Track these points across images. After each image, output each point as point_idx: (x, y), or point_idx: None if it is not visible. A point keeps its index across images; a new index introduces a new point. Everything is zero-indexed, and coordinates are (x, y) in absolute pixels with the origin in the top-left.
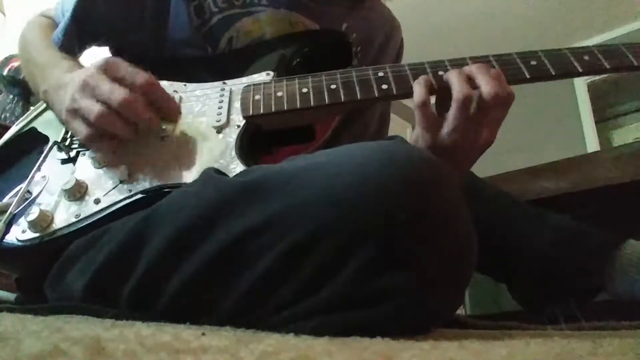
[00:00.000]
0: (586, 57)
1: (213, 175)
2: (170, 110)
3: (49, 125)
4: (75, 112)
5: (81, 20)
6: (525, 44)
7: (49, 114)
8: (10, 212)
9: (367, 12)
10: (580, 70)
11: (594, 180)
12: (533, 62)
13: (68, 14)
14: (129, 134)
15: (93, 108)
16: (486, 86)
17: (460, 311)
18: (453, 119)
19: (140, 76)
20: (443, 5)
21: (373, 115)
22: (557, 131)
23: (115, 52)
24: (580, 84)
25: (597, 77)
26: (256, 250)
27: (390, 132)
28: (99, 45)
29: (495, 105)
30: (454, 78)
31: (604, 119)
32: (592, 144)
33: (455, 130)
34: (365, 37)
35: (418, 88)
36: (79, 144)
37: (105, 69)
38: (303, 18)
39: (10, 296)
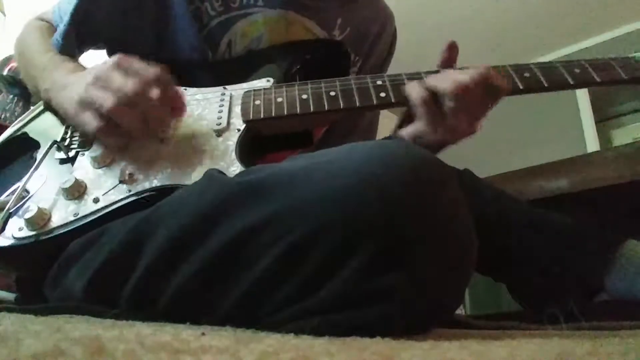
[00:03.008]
0: (577, 70)
1: (215, 175)
2: (178, 106)
3: (42, 131)
4: (86, 104)
5: (80, 24)
6: (525, 45)
7: (42, 120)
8: (7, 210)
9: (361, 5)
10: (572, 83)
11: (594, 180)
12: (526, 74)
13: (67, 18)
14: (139, 129)
15: (106, 99)
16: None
17: (460, 311)
18: (454, 109)
19: (153, 70)
20: (443, 5)
21: (361, 116)
22: (557, 131)
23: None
24: None
25: None
26: (256, 249)
27: (388, 132)
28: (98, 48)
29: (458, 94)
30: (432, 81)
31: (604, 119)
32: (592, 144)
33: (456, 119)
34: (359, 31)
35: (413, 89)
36: (78, 144)
37: (117, 64)
38: (299, 16)
39: (10, 296)
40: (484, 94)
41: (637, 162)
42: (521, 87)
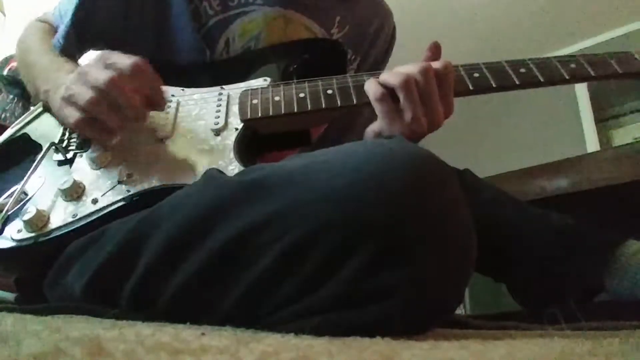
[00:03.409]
0: (572, 65)
1: (215, 174)
2: (155, 95)
3: (42, 133)
4: (68, 99)
5: (81, 25)
6: (526, 45)
7: (42, 121)
8: (6, 212)
9: (359, 3)
10: (567, 77)
11: (594, 180)
12: (522, 70)
13: (68, 19)
14: (117, 122)
15: (85, 94)
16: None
17: (460, 311)
18: (408, 104)
19: (129, 60)
20: (444, 5)
21: (359, 112)
22: (557, 131)
23: None
24: (580, 84)
25: None
26: (256, 249)
27: None
28: (99, 49)
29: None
30: (384, 77)
31: (604, 119)
32: (592, 144)
33: (413, 113)
34: (358, 29)
35: (370, 87)
36: (76, 146)
37: (99, 58)
38: (297, 14)
39: (10, 296)
40: (432, 84)
41: (637, 162)
42: (517, 83)
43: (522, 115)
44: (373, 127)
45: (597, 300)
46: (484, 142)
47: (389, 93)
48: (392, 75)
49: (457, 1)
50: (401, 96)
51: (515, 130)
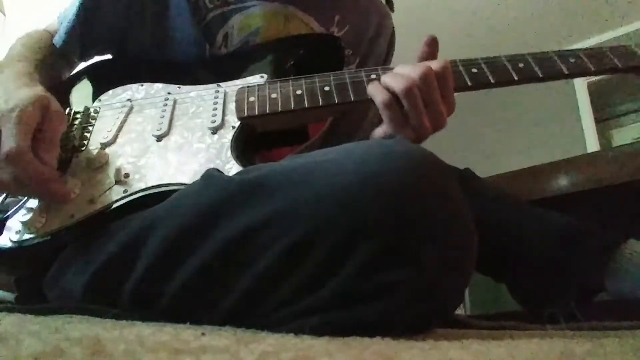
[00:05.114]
0: (572, 60)
1: (214, 174)
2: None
3: None
4: None
5: (84, 22)
6: (526, 44)
7: None
8: (3, 213)
9: (359, 4)
10: (566, 72)
11: (594, 180)
12: (520, 65)
13: (71, 16)
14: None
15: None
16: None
17: (460, 311)
18: (412, 110)
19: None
20: (443, 4)
21: (365, 114)
22: (557, 131)
23: (116, 57)
24: (580, 84)
25: (596, 77)
26: (257, 248)
27: None
28: (100, 52)
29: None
30: (387, 81)
31: (604, 119)
32: (592, 144)
33: (418, 119)
34: (357, 28)
35: (376, 92)
36: (72, 146)
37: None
38: (298, 11)
39: (10, 296)
40: (435, 89)
41: (637, 162)
42: (516, 78)
43: (522, 115)
44: (379, 132)
45: (597, 300)
46: (484, 142)
47: (394, 98)
48: (394, 79)
49: (457, 1)
50: (405, 104)
51: (516, 130)
